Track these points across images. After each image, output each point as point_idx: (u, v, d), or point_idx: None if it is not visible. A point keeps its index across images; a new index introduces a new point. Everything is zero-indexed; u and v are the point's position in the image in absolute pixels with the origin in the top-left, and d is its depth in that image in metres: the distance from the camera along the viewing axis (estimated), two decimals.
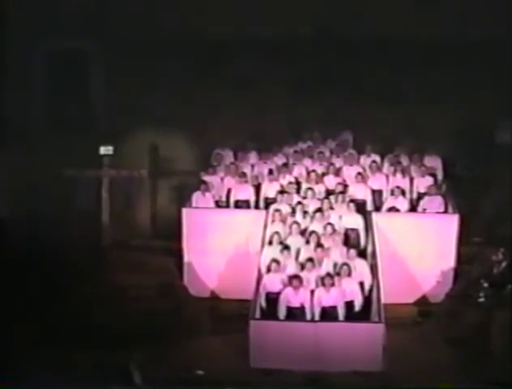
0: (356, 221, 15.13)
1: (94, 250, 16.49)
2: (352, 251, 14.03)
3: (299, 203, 15.32)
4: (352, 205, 15.22)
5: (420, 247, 15.14)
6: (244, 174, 16.54)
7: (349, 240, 14.83)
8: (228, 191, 16.39)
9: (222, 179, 16.64)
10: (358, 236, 15.04)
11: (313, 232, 14.35)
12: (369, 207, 15.87)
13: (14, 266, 14.57)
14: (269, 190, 16.19)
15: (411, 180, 16.41)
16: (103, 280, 15.07)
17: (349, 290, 13.33)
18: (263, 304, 13.46)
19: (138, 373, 12.04)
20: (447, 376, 12.38)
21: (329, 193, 15.88)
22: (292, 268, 13.71)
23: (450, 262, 15.18)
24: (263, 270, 13.91)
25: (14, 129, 18.81)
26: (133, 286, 14.76)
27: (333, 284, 13.17)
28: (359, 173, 16.21)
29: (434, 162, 17.03)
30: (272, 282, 13.51)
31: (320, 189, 15.92)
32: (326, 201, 15.32)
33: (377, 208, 15.92)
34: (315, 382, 12.26)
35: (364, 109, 18.67)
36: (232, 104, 18.98)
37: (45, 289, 14.27)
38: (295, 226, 14.59)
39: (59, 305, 14.01)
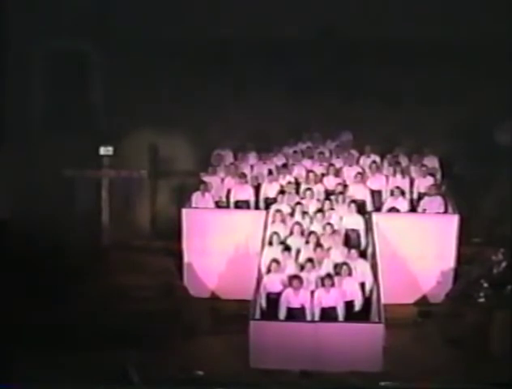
0: (356, 222, 15.13)
1: (94, 250, 16.48)
2: (354, 251, 14.04)
3: (298, 203, 15.32)
4: (353, 205, 15.23)
5: (420, 247, 15.15)
6: (244, 175, 16.55)
7: (350, 240, 14.83)
8: (228, 192, 16.40)
9: (222, 179, 16.65)
10: (359, 236, 15.05)
11: (312, 232, 14.36)
12: (369, 207, 15.88)
13: (14, 266, 14.57)
14: (269, 190, 16.21)
15: (412, 180, 16.42)
16: (103, 281, 15.06)
17: (349, 290, 13.34)
18: (263, 304, 13.47)
19: (135, 372, 12.04)
20: (447, 376, 12.38)
21: (329, 193, 15.89)
22: (291, 269, 13.71)
23: (450, 262, 15.18)
24: (263, 270, 13.92)
25: (14, 129, 18.80)
26: (133, 286, 14.76)
27: (333, 285, 13.18)
28: (358, 173, 16.22)
29: (433, 162, 17.04)
30: (272, 282, 13.52)
31: (319, 189, 15.92)
32: (326, 201, 15.32)
33: (377, 209, 15.93)
34: (315, 383, 12.26)
35: (364, 109, 18.66)
36: (232, 104, 18.97)
37: (45, 289, 14.26)
38: (296, 227, 14.59)
39: (59, 305, 14.00)
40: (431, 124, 18.81)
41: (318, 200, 15.57)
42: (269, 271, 13.69)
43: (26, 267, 14.68)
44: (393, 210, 15.73)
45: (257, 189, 16.38)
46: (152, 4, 18.84)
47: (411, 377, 12.33)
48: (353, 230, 15.06)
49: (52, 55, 19.82)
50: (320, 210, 15.08)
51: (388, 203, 15.86)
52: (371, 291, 13.74)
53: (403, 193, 15.90)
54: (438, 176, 16.96)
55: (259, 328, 12.72)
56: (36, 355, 12.61)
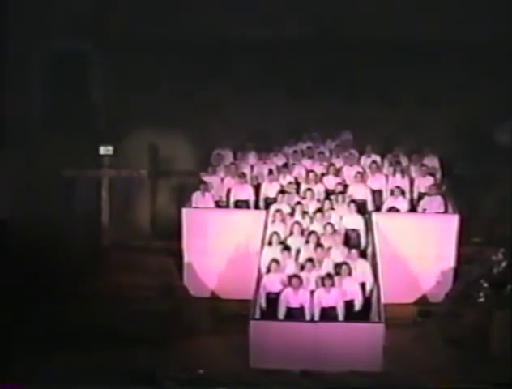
0: (356, 222, 15.13)
1: (94, 250, 16.49)
2: (354, 251, 14.03)
3: (298, 203, 15.32)
4: (352, 205, 15.23)
5: (420, 247, 15.14)
6: (243, 174, 16.55)
7: (350, 240, 14.83)
8: (228, 191, 16.39)
9: (222, 179, 16.64)
10: (358, 236, 15.04)
11: (312, 232, 14.35)
12: (370, 207, 15.88)
13: (14, 266, 14.57)
14: (269, 190, 16.20)
15: (412, 180, 16.42)
16: (103, 281, 15.07)
17: (349, 290, 13.33)
18: (263, 304, 13.46)
19: None
20: (447, 376, 12.38)
21: (329, 193, 15.89)
22: (291, 268, 13.71)
23: (450, 262, 15.18)
24: (263, 270, 13.91)
25: (14, 129, 18.80)
26: (133, 286, 14.76)
27: (333, 285, 13.17)
28: (358, 173, 16.22)
29: (433, 162, 17.05)
30: (272, 282, 13.51)
31: (319, 189, 15.92)
32: (327, 201, 15.32)
33: (377, 208, 15.93)
34: (315, 382, 12.27)
35: (364, 109, 18.66)
36: (232, 104, 18.97)
37: (45, 289, 14.26)
38: (296, 226, 14.59)
39: (59, 305, 14.01)
40: (431, 124, 18.81)
41: (318, 200, 15.57)
42: (269, 270, 13.68)
43: (26, 267, 14.68)
44: (393, 209, 15.73)
45: (257, 188, 16.38)
46: (152, 4, 18.85)
47: (411, 377, 12.33)
48: (353, 230, 15.05)
49: (52, 55, 19.82)
50: (320, 210, 15.08)
51: (388, 202, 15.86)
52: (371, 291, 13.73)
53: (403, 193, 15.90)
54: (438, 176, 16.96)
55: (259, 328, 12.71)
56: (36, 355, 12.61)
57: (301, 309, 13.10)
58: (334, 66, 18.98)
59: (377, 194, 16.21)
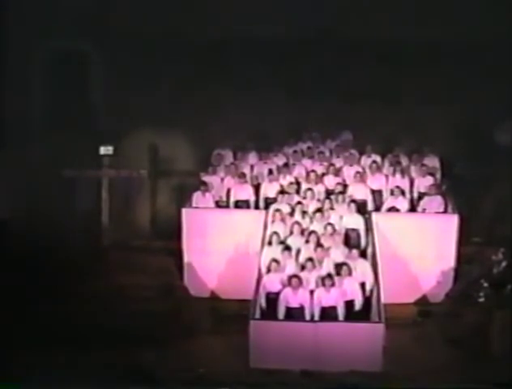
0: (356, 221, 15.13)
1: (94, 250, 16.50)
2: (355, 251, 14.03)
3: (298, 202, 15.32)
4: (352, 205, 15.23)
5: (420, 247, 15.14)
6: (244, 174, 16.55)
7: (350, 240, 14.83)
8: (228, 191, 16.39)
9: (222, 179, 16.64)
10: (358, 236, 15.04)
11: (312, 232, 14.35)
12: (370, 206, 15.88)
13: (14, 266, 14.57)
14: (269, 190, 16.20)
15: (412, 180, 16.42)
16: (103, 281, 15.07)
17: (350, 290, 13.34)
18: (263, 304, 13.47)
19: None
20: (447, 376, 12.38)
21: (329, 193, 15.89)
22: (291, 268, 13.71)
23: (450, 262, 15.18)
24: (263, 270, 13.92)
25: (14, 129, 18.81)
26: (133, 286, 14.77)
27: (333, 285, 13.17)
28: (358, 172, 16.22)
29: (433, 162, 17.05)
30: (272, 282, 13.51)
31: (319, 189, 15.92)
32: (327, 201, 15.32)
33: (377, 208, 15.93)
34: (315, 382, 12.27)
35: (364, 109, 18.66)
36: (232, 104, 18.97)
37: (45, 289, 14.26)
38: (296, 226, 14.59)
39: (59, 305, 14.01)
40: (431, 124, 18.82)
41: (319, 200, 15.57)
42: (269, 270, 13.69)
43: (26, 267, 14.68)
44: (393, 209, 15.73)
45: (257, 189, 16.38)
46: (152, 4, 18.86)
47: (411, 377, 12.33)
48: (353, 230, 15.05)
49: (52, 55, 19.83)
50: (320, 210, 15.08)
51: (388, 202, 15.87)
52: (371, 291, 13.74)
53: (403, 192, 15.90)
54: (438, 176, 16.96)
55: (259, 328, 12.71)
56: (36, 355, 12.61)
57: (301, 309, 13.10)
58: (334, 66, 18.98)
59: (377, 194, 16.22)
